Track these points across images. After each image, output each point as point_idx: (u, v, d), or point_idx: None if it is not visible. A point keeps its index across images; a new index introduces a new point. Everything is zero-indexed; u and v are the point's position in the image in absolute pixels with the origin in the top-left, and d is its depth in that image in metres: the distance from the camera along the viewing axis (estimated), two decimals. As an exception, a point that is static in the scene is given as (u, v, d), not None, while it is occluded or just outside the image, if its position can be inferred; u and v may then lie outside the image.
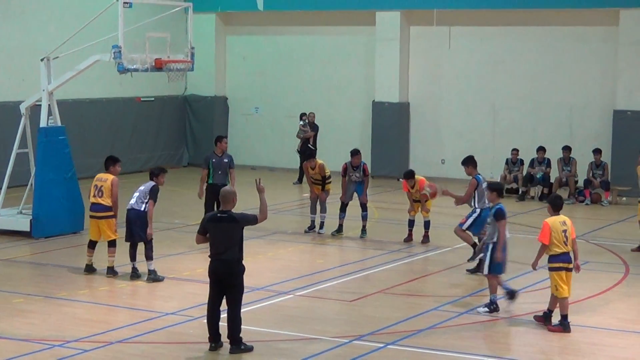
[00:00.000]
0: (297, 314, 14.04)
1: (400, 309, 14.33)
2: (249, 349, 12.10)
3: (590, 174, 25.34)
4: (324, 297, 15.04)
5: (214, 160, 19.12)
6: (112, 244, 16.16)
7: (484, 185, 16.46)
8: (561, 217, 13.43)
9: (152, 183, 15.93)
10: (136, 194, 15.92)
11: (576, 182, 25.46)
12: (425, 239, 19.27)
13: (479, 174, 16.93)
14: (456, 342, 12.75)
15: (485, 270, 14.36)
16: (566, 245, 13.22)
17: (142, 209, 15.75)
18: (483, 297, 15.02)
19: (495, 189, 14.82)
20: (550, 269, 13.28)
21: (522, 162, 26.09)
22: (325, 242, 19.53)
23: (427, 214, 19.19)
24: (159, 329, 13.13)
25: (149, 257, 15.71)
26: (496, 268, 14.26)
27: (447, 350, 12.34)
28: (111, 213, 16.19)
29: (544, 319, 13.37)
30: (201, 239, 12.29)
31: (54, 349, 12.20)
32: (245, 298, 12.53)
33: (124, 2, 18.86)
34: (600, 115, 26.93)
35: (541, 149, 25.95)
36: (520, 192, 25.55)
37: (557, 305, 13.24)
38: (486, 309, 14.10)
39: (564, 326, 13.15)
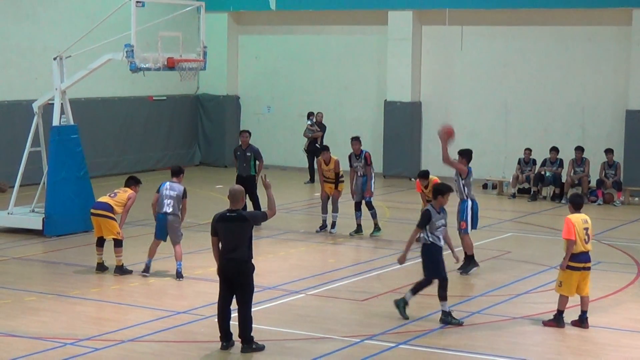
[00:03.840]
0: (308, 313, 14.04)
1: (411, 308, 14.29)
2: (261, 348, 12.10)
3: (603, 174, 25.27)
4: (335, 296, 15.04)
5: (238, 152, 20.87)
6: (118, 243, 16.20)
7: (471, 179, 16.65)
8: (582, 215, 13.34)
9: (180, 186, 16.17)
10: (169, 201, 16.00)
11: (589, 182, 25.39)
12: (437, 238, 19.19)
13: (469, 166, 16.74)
14: (467, 341, 12.73)
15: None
16: (586, 243, 13.12)
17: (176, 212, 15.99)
18: (495, 296, 15.02)
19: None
20: (569, 267, 13.15)
21: (534, 162, 26.02)
22: (337, 242, 19.52)
23: (439, 214, 19.12)
24: (170, 327, 13.15)
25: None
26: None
27: (458, 350, 12.32)
28: (112, 215, 16.23)
29: (580, 322, 13.31)
30: (216, 242, 12.15)
31: (65, 347, 12.22)
32: (257, 297, 12.53)
33: (137, 1, 18.90)
34: (613, 115, 26.86)
35: (554, 149, 25.87)
36: (532, 192, 25.49)
37: (561, 302, 13.25)
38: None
39: (558, 321, 13.17)
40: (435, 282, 13.50)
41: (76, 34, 21.30)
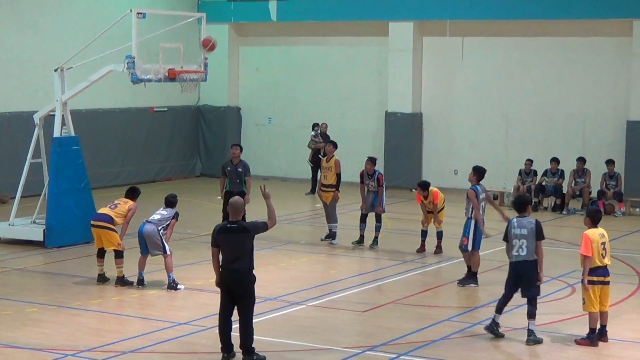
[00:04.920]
0: (309, 324, 14.03)
1: (412, 319, 14.31)
2: (262, 359, 12.09)
3: (604, 185, 25.27)
4: (337, 307, 15.03)
5: (228, 168, 19.62)
6: (118, 255, 16.20)
7: (482, 196, 16.62)
8: (600, 230, 13.25)
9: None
10: (152, 217, 16.10)
11: (590, 193, 25.39)
12: (438, 249, 19.23)
13: (478, 185, 16.78)
14: (469, 353, 12.71)
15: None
16: (604, 258, 13.03)
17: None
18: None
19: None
20: (588, 282, 13.03)
21: (535, 172, 26.03)
22: (338, 253, 19.51)
23: (440, 225, 19.16)
24: (171, 338, 13.14)
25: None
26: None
27: (459, 361, 12.32)
28: (112, 226, 16.23)
29: (599, 335, 13.18)
30: (216, 252, 12.17)
31: (66, 358, 12.22)
32: (258, 308, 12.52)
33: (138, 13, 18.94)
34: (614, 126, 26.87)
35: (554, 160, 25.89)
36: (533, 203, 25.47)
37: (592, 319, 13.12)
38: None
39: (591, 340, 13.04)
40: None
41: (77, 45, 21.33)
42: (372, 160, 19.98)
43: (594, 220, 13.31)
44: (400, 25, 28.90)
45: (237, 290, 11.97)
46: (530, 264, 13.22)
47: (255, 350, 12.08)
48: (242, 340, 12.02)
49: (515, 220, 13.40)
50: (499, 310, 13.41)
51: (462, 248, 16.74)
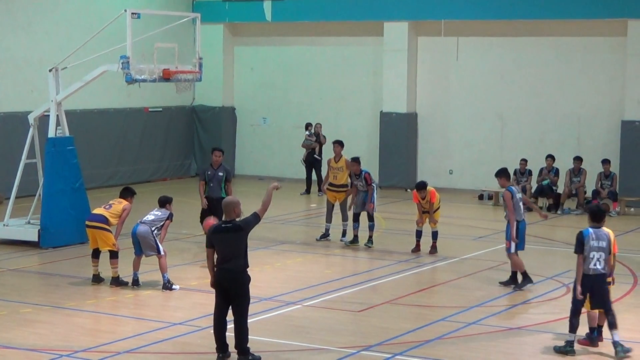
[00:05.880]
0: (304, 324, 14.03)
1: (408, 319, 14.31)
2: (257, 359, 12.09)
3: (599, 185, 25.29)
4: (332, 307, 15.02)
5: (208, 172, 19.10)
6: (113, 255, 16.19)
7: (518, 196, 16.48)
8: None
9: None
10: (145, 217, 16.10)
11: (585, 192, 25.41)
12: (433, 249, 19.24)
13: (512, 186, 16.80)
14: (464, 352, 12.72)
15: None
16: None
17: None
18: (492, 307, 15.02)
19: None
20: None
21: (530, 172, 26.05)
22: (333, 253, 19.51)
23: (435, 225, 19.16)
24: (166, 339, 13.13)
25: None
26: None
27: (454, 361, 12.32)
28: (107, 227, 16.22)
29: (589, 341, 13.07)
30: (211, 253, 12.16)
31: (61, 359, 12.20)
32: (253, 308, 12.52)
33: (132, 13, 18.92)
34: (608, 126, 26.89)
35: (550, 157, 25.93)
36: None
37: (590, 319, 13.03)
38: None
39: (591, 340, 13.02)
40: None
41: (72, 45, 21.32)
42: (356, 161, 19.99)
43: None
44: (395, 25, 28.91)
45: (232, 289, 11.95)
46: (604, 276, 12.74)
47: (251, 350, 12.07)
48: (237, 341, 12.00)
49: (591, 231, 12.68)
50: (575, 329, 12.72)
51: (507, 251, 16.38)
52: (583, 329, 13.10)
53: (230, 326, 12.09)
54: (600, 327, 13.14)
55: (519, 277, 16.33)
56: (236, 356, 12.05)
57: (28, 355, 12.33)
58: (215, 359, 12.11)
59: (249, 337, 12.04)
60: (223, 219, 12.25)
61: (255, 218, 12.12)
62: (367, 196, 19.80)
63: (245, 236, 12.04)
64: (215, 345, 12.12)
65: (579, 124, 27.38)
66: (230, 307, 12.05)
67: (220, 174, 18.99)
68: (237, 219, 12.09)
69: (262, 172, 31.13)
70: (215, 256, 12.10)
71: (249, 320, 12.13)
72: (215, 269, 12.09)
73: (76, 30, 26.32)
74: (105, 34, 19.89)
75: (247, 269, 12.04)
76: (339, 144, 20.95)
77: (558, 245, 20.67)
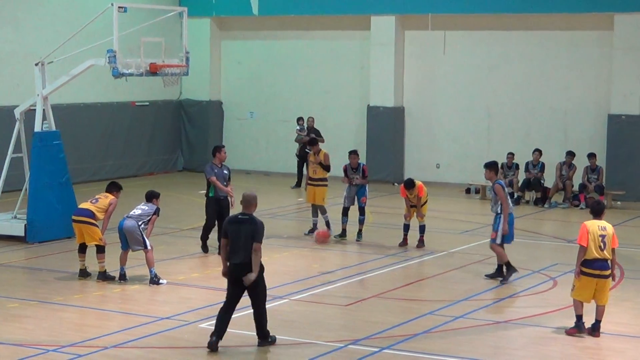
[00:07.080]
0: (292, 318, 14.02)
1: (395, 313, 14.32)
2: (274, 340, 12.52)
3: (586, 179, 25.34)
4: (319, 301, 15.01)
5: (215, 170, 18.29)
6: (100, 249, 16.14)
7: (507, 189, 16.54)
8: (602, 222, 13.25)
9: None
10: (132, 212, 16.06)
11: (572, 186, 25.47)
12: (420, 243, 19.25)
13: (500, 179, 16.81)
14: (451, 346, 12.73)
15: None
16: (602, 251, 13.01)
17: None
18: (479, 300, 15.04)
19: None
20: (582, 273, 13.08)
21: (517, 166, 26.08)
22: (320, 247, 19.49)
23: (423, 219, 19.16)
24: (153, 333, 13.10)
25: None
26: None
27: (442, 355, 12.32)
28: (94, 221, 16.16)
29: (591, 329, 13.21)
30: (225, 244, 12.41)
31: (48, 354, 12.16)
32: (241, 303, 12.51)
33: (119, 7, 18.85)
34: (595, 120, 26.95)
35: (537, 151, 25.97)
36: (515, 196, 25.51)
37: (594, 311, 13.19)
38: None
39: (579, 327, 13.12)
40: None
41: (58, 39, 21.22)
42: (355, 153, 20.03)
43: (593, 211, 13.36)
44: (382, 19, 28.90)
45: (244, 282, 12.17)
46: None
47: (269, 333, 12.50)
48: (258, 327, 12.43)
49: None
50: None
51: (491, 241, 16.43)
52: (567, 322, 13.15)
53: (236, 316, 12.09)
54: (597, 321, 13.20)
55: (505, 270, 16.37)
56: (224, 350, 12.06)
57: (15, 350, 12.29)
58: (203, 353, 12.10)
59: (239, 331, 12.03)
60: (242, 210, 12.43)
61: (259, 241, 12.18)
62: (359, 190, 19.80)
63: (257, 236, 12.17)
64: (203, 339, 12.10)
65: (566, 117, 27.43)
66: (237, 300, 12.33)
67: (226, 171, 18.45)
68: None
69: (249, 166, 31.09)
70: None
71: (238, 315, 12.13)
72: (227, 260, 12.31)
73: (62, 24, 26.20)
74: (91, 28, 19.83)
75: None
76: (317, 143, 20.78)
77: (544, 239, 20.71)
